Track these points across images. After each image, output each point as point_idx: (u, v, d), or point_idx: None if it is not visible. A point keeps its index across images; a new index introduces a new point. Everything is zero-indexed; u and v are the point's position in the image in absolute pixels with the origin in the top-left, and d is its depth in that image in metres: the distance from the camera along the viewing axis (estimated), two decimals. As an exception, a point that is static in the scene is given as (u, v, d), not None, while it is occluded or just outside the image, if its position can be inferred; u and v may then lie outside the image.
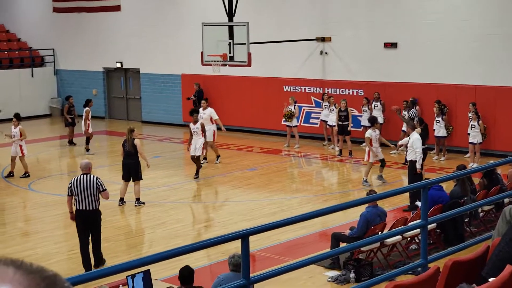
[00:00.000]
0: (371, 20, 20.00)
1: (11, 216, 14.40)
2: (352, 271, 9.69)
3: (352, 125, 19.04)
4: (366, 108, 19.69)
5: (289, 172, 18.14)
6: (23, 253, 10.90)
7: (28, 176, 16.82)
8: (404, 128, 17.71)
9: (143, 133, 24.00)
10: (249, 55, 17.74)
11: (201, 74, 22.85)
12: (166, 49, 24.50)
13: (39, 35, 28.41)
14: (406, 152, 14.47)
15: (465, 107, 17.91)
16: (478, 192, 11.95)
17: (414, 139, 13.72)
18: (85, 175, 10.23)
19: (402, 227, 9.58)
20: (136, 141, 13.77)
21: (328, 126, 20.08)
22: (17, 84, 27.07)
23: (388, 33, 19.71)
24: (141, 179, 13.97)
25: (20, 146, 16.76)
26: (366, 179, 15.50)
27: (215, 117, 18.27)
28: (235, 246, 9.37)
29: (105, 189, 10.26)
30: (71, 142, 21.13)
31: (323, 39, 20.95)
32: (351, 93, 20.47)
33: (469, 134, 17.40)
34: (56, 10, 27.72)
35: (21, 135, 16.80)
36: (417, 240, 10.71)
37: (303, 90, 21.49)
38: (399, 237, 10.07)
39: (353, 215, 11.53)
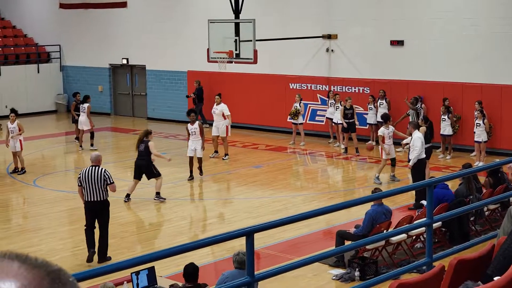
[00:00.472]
0: (377, 17, 19.95)
1: (16, 212, 14.44)
2: (357, 269, 9.67)
3: (358, 123, 19.02)
4: (372, 106, 19.65)
5: (294, 170, 18.12)
6: (28, 249, 10.91)
7: (25, 172, 16.76)
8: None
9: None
10: (255, 52, 17.72)
11: (207, 71, 22.84)
12: (172, 46, 24.50)
13: (46, 31, 28.46)
14: (409, 150, 14.45)
15: (471, 105, 17.86)
16: (483, 191, 11.91)
17: (415, 138, 13.72)
18: (94, 167, 10.44)
19: (407, 225, 9.55)
20: (150, 143, 13.92)
21: (333, 124, 20.05)
22: (23, 80, 27.11)
23: (395, 31, 19.67)
24: (159, 175, 14.03)
25: (20, 141, 16.72)
26: (378, 176, 15.47)
27: (227, 113, 18.31)
28: (239, 244, 9.39)
29: (113, 182, 10.45)
30: (78, 138, 21.15)
31: (329, 37, 20.92)
32: (357, 91, 20.44)
33: (474, 132, 17.36)
34: (62, 6, 27.76)
35: (19, 130, 16.76)
36: (422, 239, 10.68)
37: (308, 88, 21.46)
38: (404, 235, 10.04)
39: (358, 213, 11.51)
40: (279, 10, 21.83)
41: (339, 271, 9.90)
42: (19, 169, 16.85)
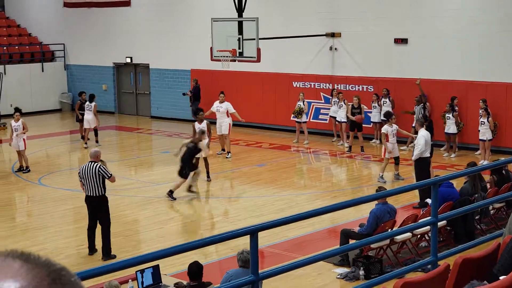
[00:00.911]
0: (381, 15, 19.92)
1: (21, 211, 14.47)
2: (362, 268, 9.66)
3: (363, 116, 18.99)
4: (376, 104, 19.62)
5: (298, 168, 18.11)
6: (32, 248, 10.93)
7: (29, 171, 16.79)
8: (414, 124, 17.65)
9: (152, 128, 24.05)
10: (259, 50, 17.71)
11: (210, 70, 22.84)
12: (175, 44, 24.51)
13: (50, 30, 28.49)
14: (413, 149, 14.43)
15: (476, 103, 17.82)
16: (488, 190, 11.88)
17: (419, 136, 13.71)
18: (91, 163, 10.63)
19: (412, 224, 9.53)
20: (201, 142, 14.36)
21: (337, 122, 20.04)
22: (27, 79, 27.15)
23: (399, 29, 19.63)
24: (185, 177, 14.16)
25: (24, 140, 16.75)
26: (382, 175, 15.45)
27: (232, 110, 18.39)
28: (243, 242, 9.38)
29: (110, 175, 10.65)
30: (84, 137, 21.20)
31: (332, 35, 20.89)
32: (360, 89, 20.41)
33: (479, 130, 17.32)
34: (66, 5, 27.78)
35: (23, 128, 16.80)
36: (427, 238, 10.66)
37: (312, 86, 21.44)
38: (409, 234, 10.02)
39: (363, 212, 11.50)
40: (282, 8, 21.81)
41: (343, 270, 9.88)
42: (24, 168, 16.87)
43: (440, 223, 9.28)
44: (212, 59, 18.79)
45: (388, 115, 15.84)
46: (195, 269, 7.55)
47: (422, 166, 13.64)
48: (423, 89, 18.37)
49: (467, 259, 5.22)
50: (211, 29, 18.61)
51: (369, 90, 20.24)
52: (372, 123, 19.91)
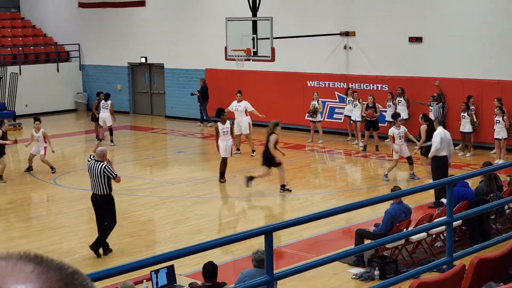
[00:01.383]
0: (395, 14, 19.83)
1: (37, 211, 14.55)
2: (377, 268, 9.62)
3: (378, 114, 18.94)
4: (391, 103, 19.54)
5: (313, 168, 18.08)
6: (48, 248, 10.99)
7: (55, 171, 16.89)
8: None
9: (167, 128, 24.10)
10: (273, 50, 17.70)
11: (224, 69, 22.86)
12: (190, 44, 24.55)
13: (65, 30, 28.64)
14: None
15: (491, 102, 17.69)
16: (504, 189, 11.80)
17: (435, 134, 13.63)
18: (96, 162, 10.66)
19: (427, 224, 9.48)
20: (271, 137, 14.45)
21: (352, 122, 19.98)
22: (43, 79, 27.31)
23: (413, 27, 19.54)
24: (271, 166, 14.46)
25: (45, 148, 16.81)
26: (387, 174, 15.46)
27: (250, 109, 18.48)
28: (258, 242, 9.37)
29: (115, 176, 10.67)
30: (98, 137, 21.30)
31: (347, 34, 20.83)
32: (375, 88, 20.33)
33: (494, 129, 17.21)
34: (81, 5, 27.92)
35: (44, 139, 16.82)
36: (442, 237, 10.60)
37: (326, 85, 21.39)
38: (424, 234, 9.97)
39: (378, 212, 11.45)
40: (296, 7, 21.77)
41: (358, 270, 9.85)
42: (32, 168, 16.94)
43: (455, 223, 9.22)
44: (226, 59, 18.81)
45: (395, 116, 15.79)
46: (210, 269, 7.55)
47: (438, 164, 13.54)
48: (437, 91, 18.31)
49: (483, 259, 5.18)
50: (225, 28, 18.63)
51: (383, 89, 20.16)
52: (386, 122, 19.82)
